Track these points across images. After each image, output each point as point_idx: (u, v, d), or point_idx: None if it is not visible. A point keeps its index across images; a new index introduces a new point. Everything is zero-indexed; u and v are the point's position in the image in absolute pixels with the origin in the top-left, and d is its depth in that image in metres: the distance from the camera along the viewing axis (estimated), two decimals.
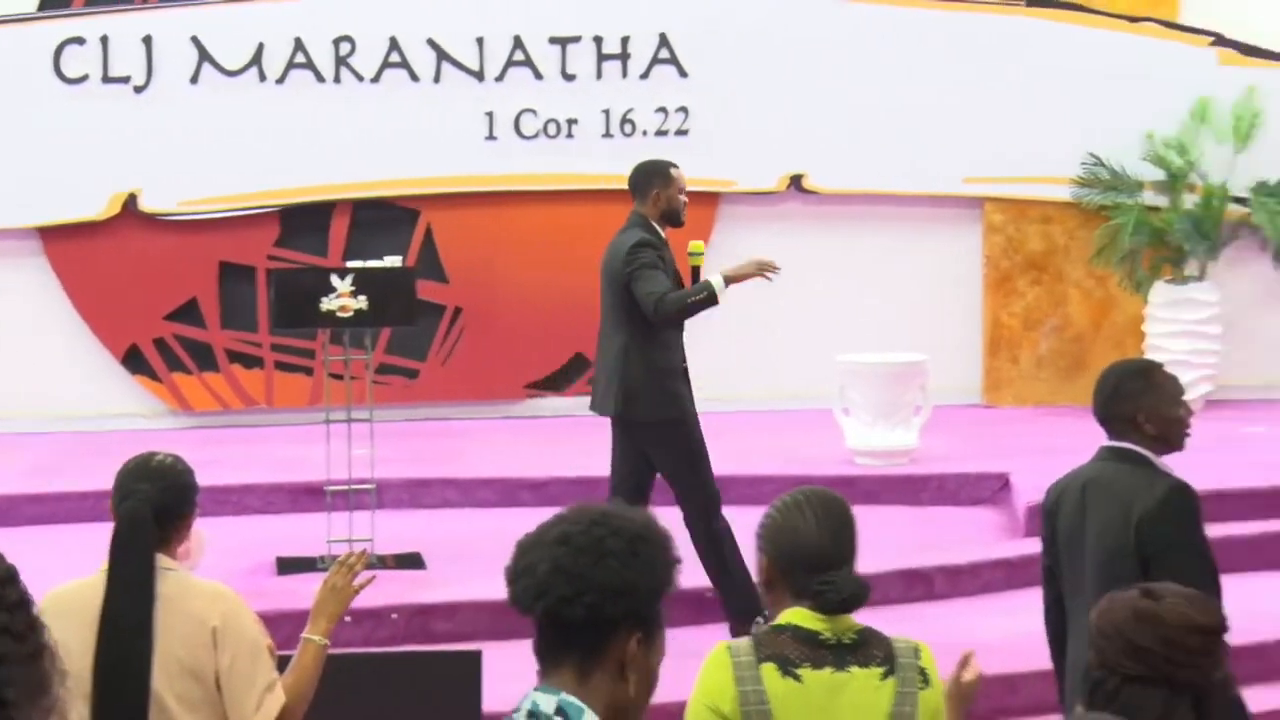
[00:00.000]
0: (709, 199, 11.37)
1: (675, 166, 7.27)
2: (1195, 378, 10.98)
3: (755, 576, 3.40)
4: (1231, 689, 2.53)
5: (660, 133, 11.23)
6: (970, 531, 8.41)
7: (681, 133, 11.22)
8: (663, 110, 11.22)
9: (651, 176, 7.16)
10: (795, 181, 11.29)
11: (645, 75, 11.23)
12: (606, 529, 2.47)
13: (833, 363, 9.55)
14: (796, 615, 3.29)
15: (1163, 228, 10.96)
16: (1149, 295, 11.08)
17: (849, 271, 11.39)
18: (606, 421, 10.90)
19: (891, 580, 7.47)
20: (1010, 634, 7.05)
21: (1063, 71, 11.19)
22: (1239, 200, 11.00)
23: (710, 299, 6.97)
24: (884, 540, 8.14)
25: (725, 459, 9.49)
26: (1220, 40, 11.22)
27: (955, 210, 11.43)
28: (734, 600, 6.92)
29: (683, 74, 11.22)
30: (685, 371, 7.15)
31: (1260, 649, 6.74)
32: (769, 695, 3.20)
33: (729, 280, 7.03)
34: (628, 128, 11.22)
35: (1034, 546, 7.92)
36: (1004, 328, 11.43)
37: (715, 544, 6.96)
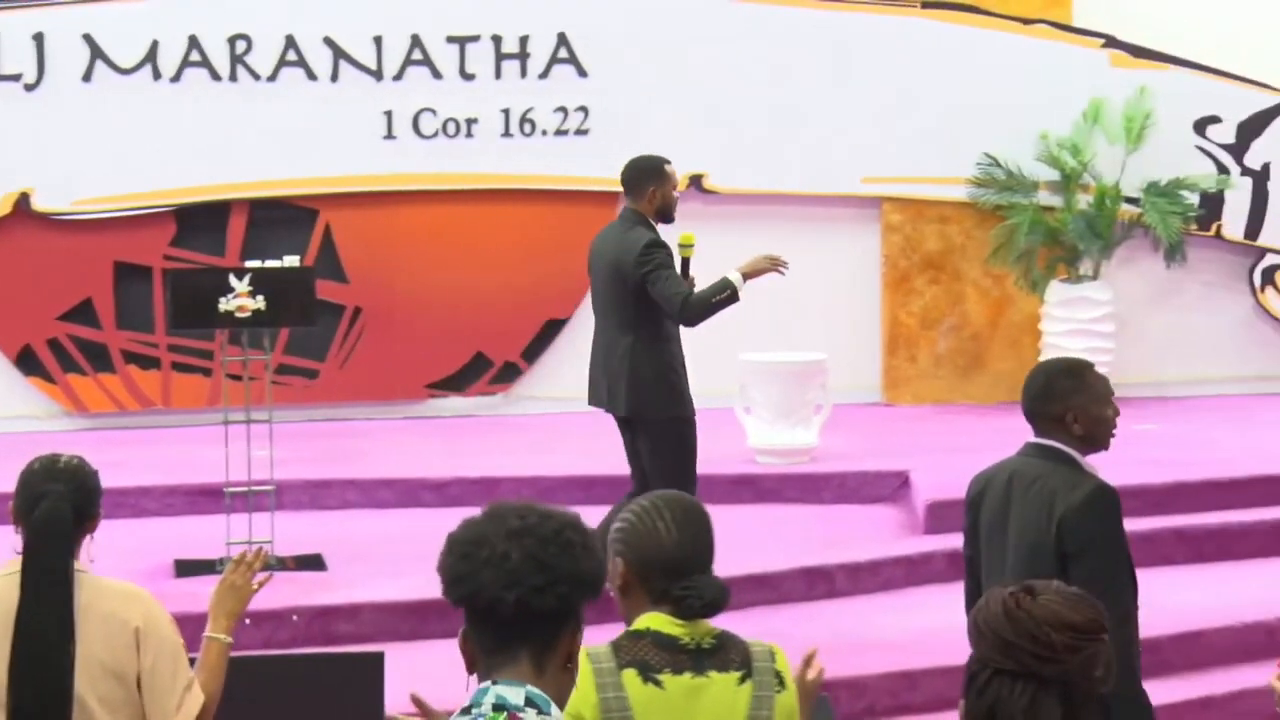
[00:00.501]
0: (609, 199, 11.37)
1: (669, 163, 7.37)
2: None
3: (611, 581, 3.35)
4: (1103, 687, 2.56)
5: (560, 132, 11.22)
6: (871, 529, 8.48)
7: (581, 132, 11.22)
8: (562, 110, 11.21)
9: (647, 174, 7.23)
10: (695, 182, 11.31)
11: (545, 75, 11.21)
12: (560, 522, 2.52)
13: (733, 362, 9.58)
14: (655, 620, 3.29)
15: (1057, 227, 11.09)
16: (1045, 294, 11.22)
17: None
18: (507, 421, 10.89)
19: (793, 578, 7.51)
20: (910, 630, 7.12)
21: (958, 72, 11.30)
22: (1131, 200, 11.15)
23: (733, 296, 7.07)
24: (785, 538, 8.20)
25: (625, 458, 9.52)
26: (1112, 42, 11.37)
27: (854, 210, 11.51)
28: None
29: (582, 74, 11.22)
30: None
31: (1155, 644, 6.84)
32: (631, 702, 3.20)
33: (745, 276, 7.13)
34: (527, 127, 11.20)
35: (933, 544, 8.02)
36: (902, 326, 11.53)
37: None
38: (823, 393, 9.40)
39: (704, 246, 11.40)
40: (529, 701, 2.46)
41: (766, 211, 11.46)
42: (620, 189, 11.06)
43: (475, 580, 2.50)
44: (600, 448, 9.92)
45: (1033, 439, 4.53)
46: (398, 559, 7.77)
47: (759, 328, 11.04)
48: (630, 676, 3.21)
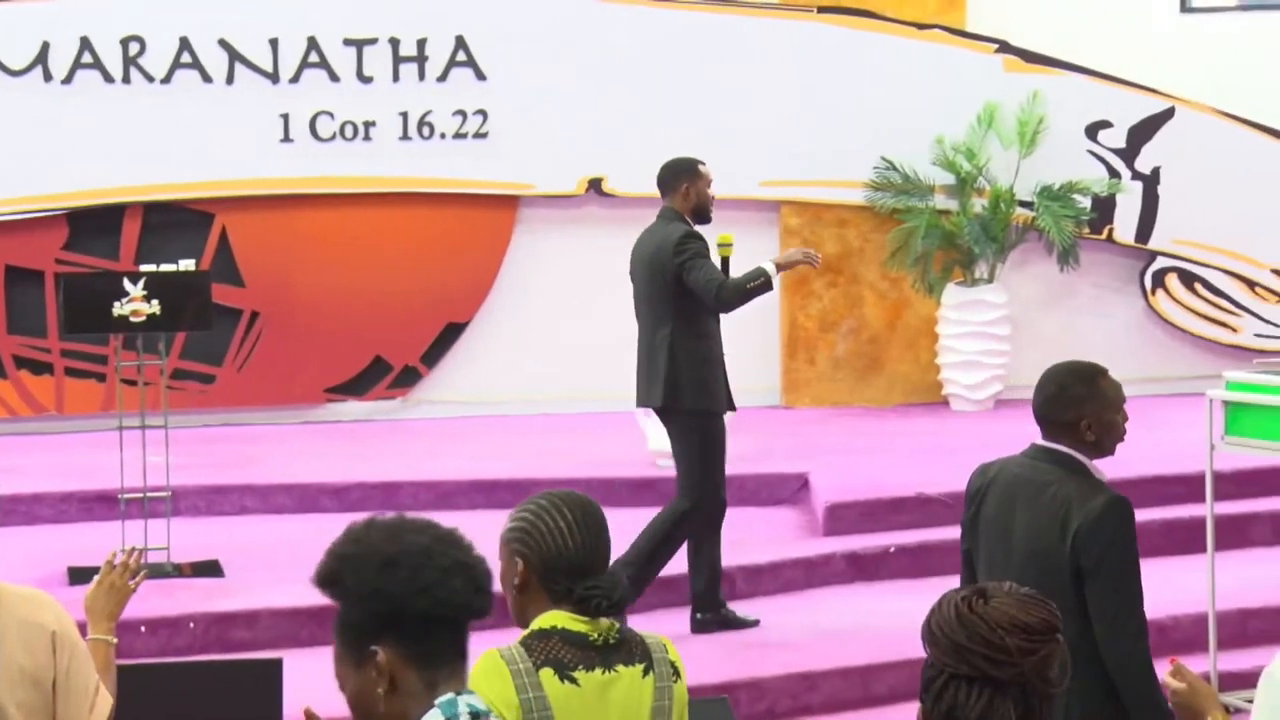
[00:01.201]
0: (508, 202, 11.36)
1: (703, 163, 7.52)
2: (986, 377, 11.26)
3: (504, 579, 3.35)
4: (1058, 688, 2.58)
5: (459, 135, 11.19)
6: (770, 531, 8.50)
7: (480, 136, 11.19)
8: (461, 113, 11.17)
9: (681, 173, 7.38)
10: (594, 185, 11.32)
11: (443, 78, 11.17)
12: (450, 529, 2.53)
13: (634, 365, 9.57)
14: (559, 618, 3.30)
15: (953, 231, 11.20)
16: (941, 297, 11.32)
17: None
18: (407, 425, 10.84)
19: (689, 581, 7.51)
20: (810, 632, 7.15)
21: (855, 76, 11.38)
22: (1025, 204, 11.28)
23: (767, 284, 7.20)
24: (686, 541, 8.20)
25: (526, 461, 9.52)
26: (1005, 47, 11.49)
27: (752, 213, 11.54)
28: (696, 584, 7.15)
29: (481, 77, 11.19)
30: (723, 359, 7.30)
31: None
32: (550, 701, 3.21)
33: (779, 267, 7.31)
34: (426, 130, 11.15)
35: (833, 545, 8.07)
36: (801, 329, 11.59)
37: (671, 527, 7.16)
38: None
39: (604, 251, 11.48)
40: (484, 712, 2.49)
41: None
42: (521, 193, 11.06)
43: (446, 587, 2.47)
44: (501, 452, 9.92)
45: (1040, 441, 4.49)
46: (296, 565, 7.65)
47: None
48: (548, 676, 3.23)
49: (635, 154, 11.30)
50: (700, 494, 7.13)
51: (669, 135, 11.28)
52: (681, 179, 7.35)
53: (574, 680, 3.23)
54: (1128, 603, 4.21)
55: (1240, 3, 11.94)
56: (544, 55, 11.22)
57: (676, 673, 3.37)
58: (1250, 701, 3.46)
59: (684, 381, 7.13)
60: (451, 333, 11.33)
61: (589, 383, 11.25)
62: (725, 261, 7.36)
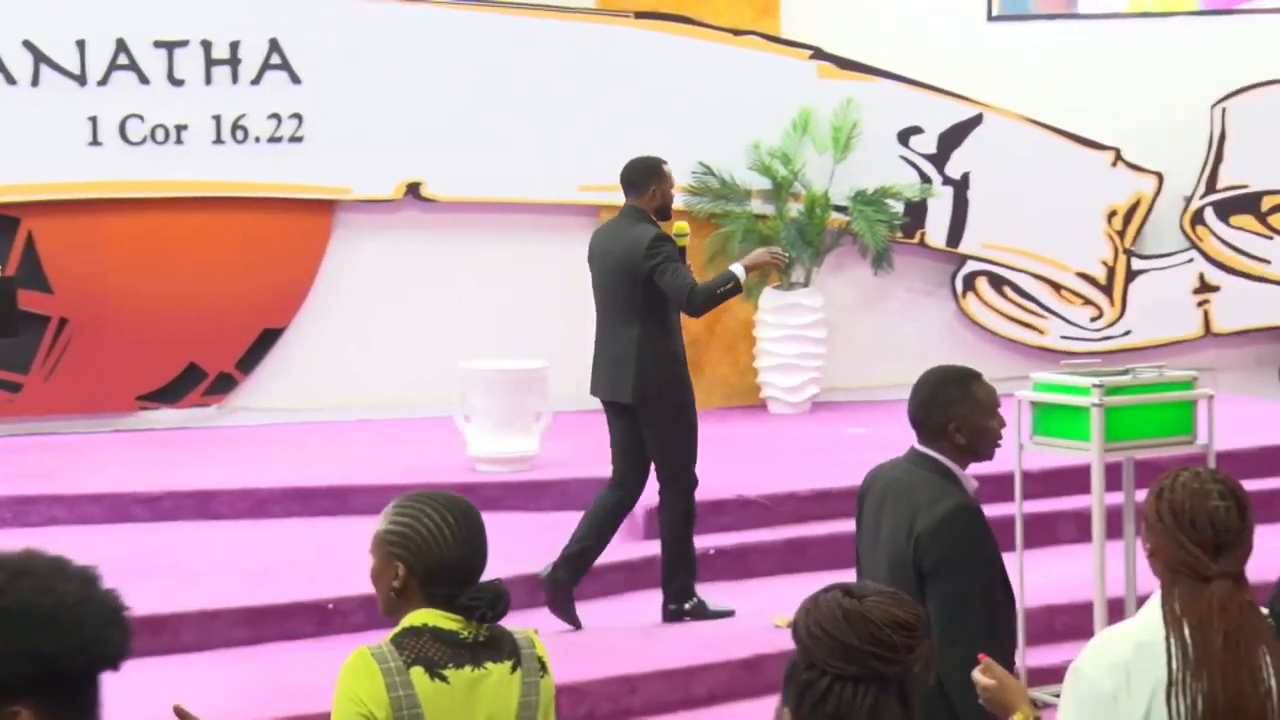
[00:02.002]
0: (325, 206, 11.25)
1: (666, 163, 7.68)
2: (803, 380, 11.39)
3: (379, 579, 3.34)
4: (929, 678, 2.62)
5: (274, 139, 11.05)
6: None
7: (296, 139, 11.07)
8: (276, 117, 11.04)
9: (649, 173, 7.50)
10: (413, 189, 11.26)
11: (257, 81, 11.03)
12: (91, 566, 2.25)
13: (453, 370, 9.55)
14: (430, 616, 3.30)
15: (770, 235, 11.31)
16: (758, 301, 11.43)
17: (468, 279, 11.42)
18: (222, 433, 10.65)
19: (515, 586, 7.40)
20: (631, 635, 7.18)
21: (672, 82, 11.44)
22: (840, 208, 11.43)
23: (736, 287, 7.33)
24: (506, 547, 8.17)
25: (345, 468, 9.42)
26: (819, 54, 11.64)
27: (572, 218, 11.56)
28: (678, 580, 7.33)
29: (295, 80, 11.06)
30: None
31: None
32: (420, 699, 3.22)
33: (747, 269, 7.40)
34: (240, 134, 11.00)
35: (653, 548, 8.09)
36: None
37: (685, 525, 7.33)
38: (543, 400, 9.42)
39: (422, 255, 11.42)
40: None
41: (485, 219, 11.46)
42: (338, 198, 10.98)
43: (107, 640, 2.17)
44: (318, 459, 9.81)
45: (916, 445, 4.53)
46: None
47: (478, 336, 11.04)
48: (418, 674, 3.22)
49: (454, 158, 11.28)
50: (687, 479, 7.34)
51: (488, 140, 11.27)
52: (650, 180, 7.47)
53: (444, 678, 3.24)
54: (962, 609, 4.24)
55: (1045, 12, 12.22)
56: (360, 58, 11.13)
57: (544, 668, 3.39)
58: (1058, 696, 3.54)
59: (656, 379, 7.27)
60: (268, 338, 11.19)
61: (408, 388, 11.18)
62: (681, 251, 7.46)
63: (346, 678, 3.24)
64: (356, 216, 11.31)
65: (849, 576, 6.94)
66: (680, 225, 7.58)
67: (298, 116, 11.06)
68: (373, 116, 11.13)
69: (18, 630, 2.11)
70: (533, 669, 3.35)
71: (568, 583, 7.27)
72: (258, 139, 11.03)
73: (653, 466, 7.40)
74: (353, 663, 3.25)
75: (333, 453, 10.02)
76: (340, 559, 7.50)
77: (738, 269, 7.36)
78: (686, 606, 7.33)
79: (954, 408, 4.42)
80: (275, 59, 11.04)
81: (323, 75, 11.09)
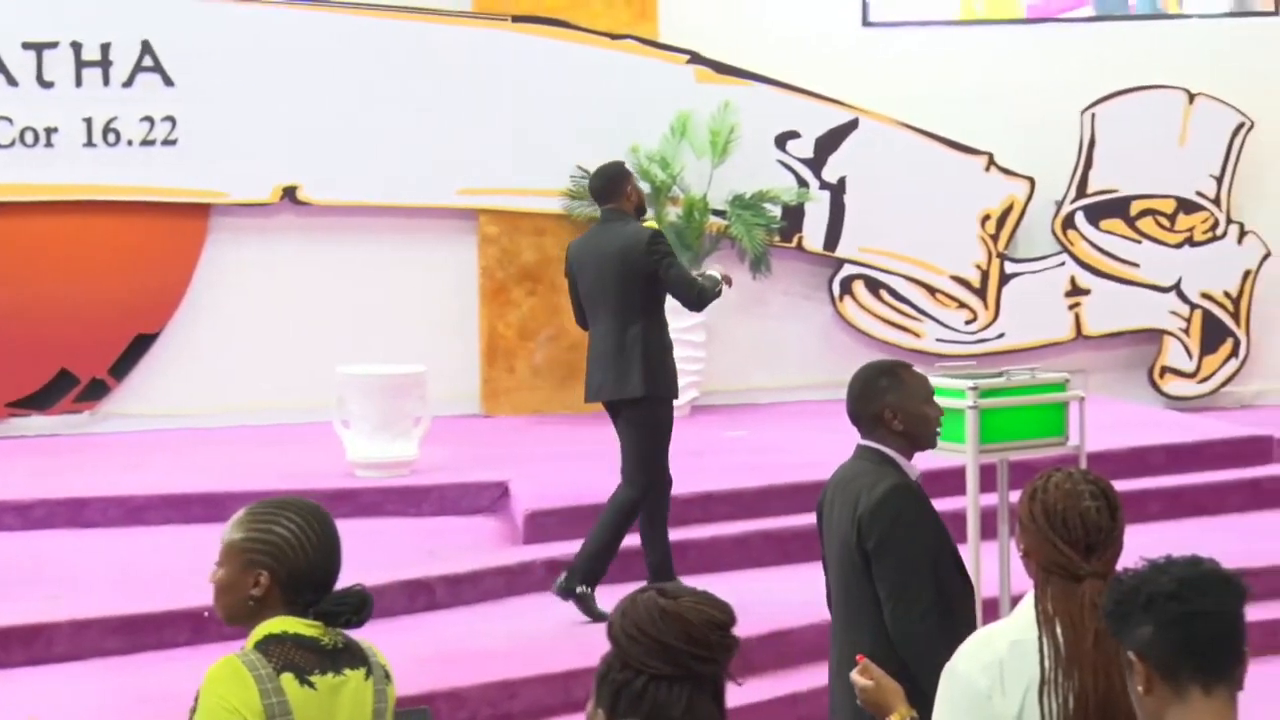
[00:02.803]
0: (199, 210, 11.12)
1: (624, 164, 8.04)
2: (683, 384, 11.39)
3: (233, 588, 3.30)
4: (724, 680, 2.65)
5: (147, 142, 10.91)
6: (471, 540, 8.49)
7: (169, 143, 10.94)
8: (148, 119, 10.91)
9: (620, 176, 7.67)
10: (289, 193, 11.16)
11: (129, 83, 10.89)
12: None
13: (331, 375, 9.48)
14: (289, 623, 3.28)
15: None
16: None
17: (346, 283, 11.34)
18: (95, 440, 10.48)
19: (394, 591, 7.46)
20: (511, 640, 7.16)
21: (550, 86, 11.44)
22: (718, 212, 11.48)
23: (720, 293, 7.63)
24: (385, 551, 8.14)
25: (220, 475, 9.32)
26: (696, 58, 11.69)
27: (450, 222, 11.53)
28: (591, 563, 7.36)
29: (169, 83, 10.93)
30: None
31: (745, 645, 7.05)
32: (291, 705, 3.22)
33: (722, 276, 7.67)
34: (111, 137, 10.85)
35: (533, 553, 8.09)
36: (501, 338, 11.60)
37: (627, 516, 7.40)
38: (422, 405, 9.38)
39: (299, 260, 11.32)
40: None
41: (362, 223, 11.39)
42: (213, 201, 10.90)
43: None
44: (193, 465, 9.70)
45: (860, 441, 4.58)
46: None
47: (356, 340, 10.97)
48: (288, 680, 3.22)
49: (331, 162, 11.20)
50: (649, 477, 7.40)
51: (365, 143, 11.21)
52: (622, 182, 7.62)
53: (311, 684, 3.24)
54: (910, 582, 4.29)
55: (918, 19, 12.36)
56: (235, 61, 11.02)
57: (388, 676, 3.42)
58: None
59: (659, 372, 7.43)
60: (141, 344, 11.05)
61: (284, 393, 11.09)
62: None
63: (216, 685, 3.20)
64: (232, 220, 11.19)
65: (730, 579, 7.00)
66: (650, 222, 7.80)
67: (171, 119, 10.93)
68: (248, 119, 11.02)
69: None
70: (380, 676, 3.38)
71: (580, 595, 7.34)
72: (130, 142, 10.89)
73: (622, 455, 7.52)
74: (221, 670, 3.22)
75: (208, 459, 9.91)
76: None
77: (716, 273, 7.64)
78: (578, 590, 7.35)
79: (886, 395, 4.49)
80: (147, 61, 10.90)
81: (196, 78, 10.96)
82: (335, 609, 3.30)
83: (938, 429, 4.59)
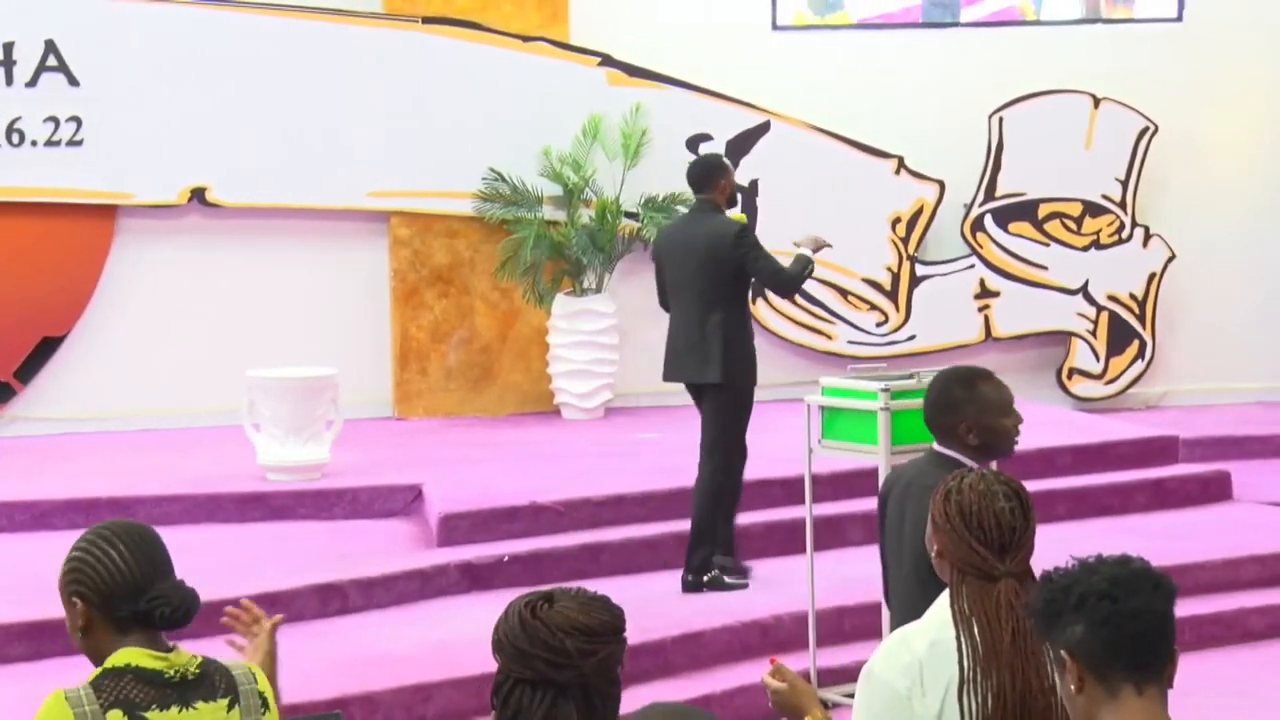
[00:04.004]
0: (106, 212, 11.00)
1: (724, 157, 8.51)
2: (596, 386, 11.43)
3: (70, 628, 3.23)
4: (620, 687, 2.65)
5: (51, 143, 10.78)
6: (384, 543, 8.45)
7: (75, 143, 10.81)
8: (53, 120, 10.77)
9: (717, 169, 7.97)
10: (198, 195, 11.06)
11: (32, 83, 10.75)
12: None
13: (242, 378, 9.40)
14: (133, 655, 3.17)
15: (562, 241, 11.34)
16: (551, 307, 11.44)
17: (256, 286, 11.26)
18: (6, 444, 10.37)
19: (306, 595, 7.42)
20: (424, 644, 7.13)
21: (462, 88, 11.41)
22: (630, 214, 11.50)
23: (811, 272, 7.89)
24: (297, 555, 8.09)
25: (129, 479, 9.22)
26: (608, 60, 11.70)
27: (361, 224, 11.48)
28: (698, 553, 7.69)
29: (74, 82, 10.81)
30: None
31: (658, 646, 7.07)
32: None
33: (812, 250, 7.83)
34: (15, 137, 10.71)
35: (446, 556, 8.06)
36: (413, 340, 11.56)
37: (715, 501, 7.69)
38: (333, 408, 9.33)
39: (208, 262, 11.22)
40: None
41: (272, 225, 11.31)
42: (120, 203, 10.81)
43: None
44: (101, 469, 9.58)
45: (934, 445, 4.54)
46: None
47: (267, 343, 10.89)
48: (115, 717, 3.08)
49: (240, 164, 11.12)
50: (728, 450, 7.72)
51: (275, 145, 11.14)
52: (718, 175, 7.90)
53: None
54: None
55: (826, 23, 12.43)
56: (142, 61, 10.91)
57: (265, 704, 3.27)
58: (848, 696, 3.60)
59: (738, 360, 7.70)
60: (47, 347, 10.91)
61: (194, 397, 11.00)
62: None
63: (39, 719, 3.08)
64: (139, 222, 11.08)
65: (642, 581, 6.99)
66: (739, 215, 8.15)
67: (76, 120, 10.80)
68: (155, 120, 10.92)
69: None
70: (253, 706, 3.24)
71: (710, 581, 7.68)
72: (34, 143, 10.75)
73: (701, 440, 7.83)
74: (47, 707, 3.09)
75: (116, 463, 9.81)
76: None
77: (806, 252, 7.79)
78: (705, 579, 7.68)
79: (963, 409, 4.44)
80: (52, 61, 10.77)
81: (102, 78, 10.84)
82: (149, 608, 3.17)
83: (1015, 438, 4.52)
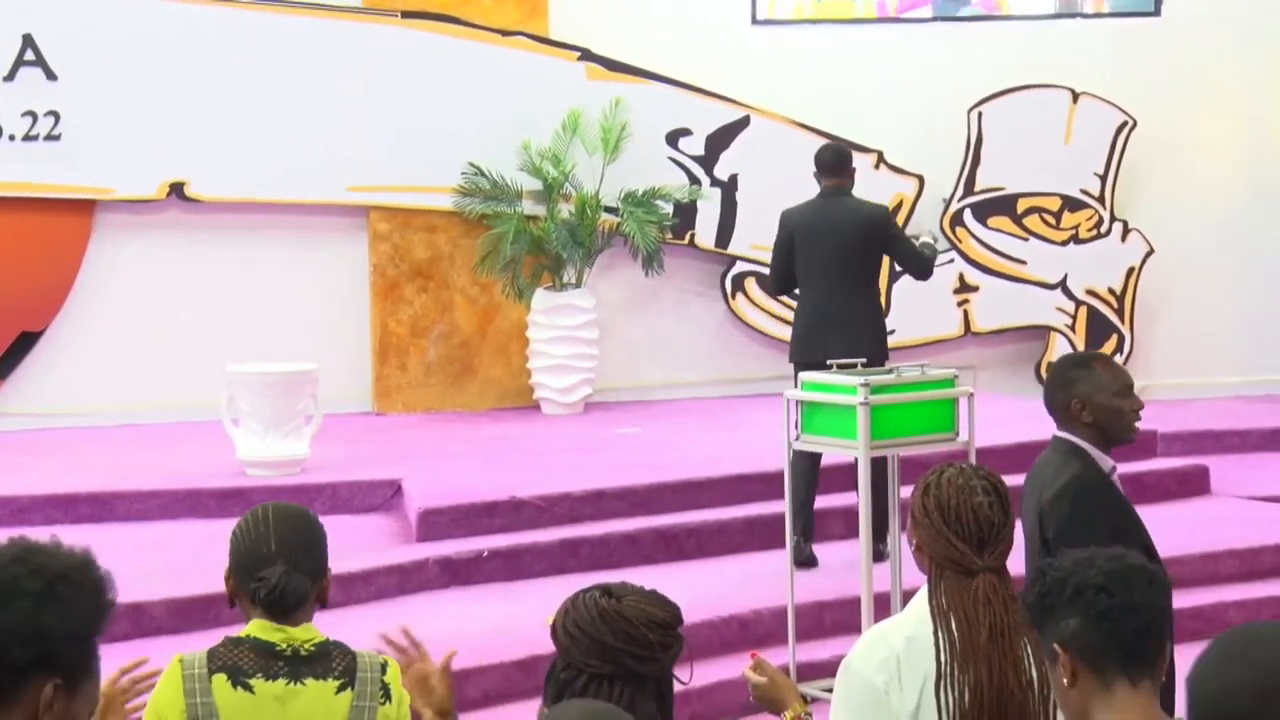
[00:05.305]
0: (85, 207, 10.97)
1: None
2: (576, 380, 11.43)
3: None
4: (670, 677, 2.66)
5: (30, 138, 10.74)
6: (363, 539, 8.42)
7: (53, 138, 10.77)
8: (31, 114, 10.74)
9: (847, 157, 8.39)
10: (176, 189, 11.03)
11: (10, 77, 10.71)
12: (24, 568, 2.32)
13: (221, 373, 9.38)
14: (255, 627, 3.30)
15: (541, 236, 11.33)
16: (531, 302, 11.44)
17: (235, 281, 11.23)
18: None
19: None
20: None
21: (441, 82, 11.40)
22: (610, 209, 11.49)
23: (936, 256, 8.52)
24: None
25: (108, 474, 9.19)
26: (588, 55, 11.69)
27: (340, 219, 11.46)
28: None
29: (51, 77, 10.77)
30: None
31: None
32: (218, 707, 3.20)
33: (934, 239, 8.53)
34: None
35: (426, 551, 8.05)
36: (392, 335, 11.54)
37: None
38: (313, 403, 9.31)
39: (187, 257, 11.19)
40: None
41: (252, 220, 11.29)
42: (98, 198, 10.74)
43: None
44: (80, 465, 9.55)
45: (1055, 432, 4.56)
46: None
47: (246, 338, 10.87)
48: (220, 682, 3.20)
49: (219, 158, 11.09)
50: None
51: (254, 139, 11.11)
52: (849, 162, 8.34)
53: (248, 688, 3.21)
54: None
55: (806, 17, 12.43)
56: (120, 56, 10.88)
57: (387, 695, 3.33)
58: (827, 690, 3.60)
59: (880, 336, 8.14)
60: (26, 342, 10.88)
61: (173, 392, 10.97)
62: None
63: (158, 684, 3.26)
64: (117, 217, 11.05)
65: (621, 576, 6.92)
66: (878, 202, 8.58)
67: (54, 114, 10.76)
68: (134, 114, 10.89)
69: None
70: (370, 693, 3.30)
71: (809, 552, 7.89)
72: (12, 137, 10.72)
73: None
74: (168, 668, 3.27)
75: (95, 459, 9.78)
76: (103, 567, 7.30)
77: (929, 240, 8.44)
78: (884, 551, 7.52)
79: (1076, 387, 4.47)
80: (29, 55, 10.73)
81: (81, 72, 10.81)
82: (255, 587, 3.29)
83: (1134, 422, 4.52)
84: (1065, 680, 2.60)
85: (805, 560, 7.77)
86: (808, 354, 7.90)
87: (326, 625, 7.70)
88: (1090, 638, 2.57)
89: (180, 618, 7.04)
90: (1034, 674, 3.23)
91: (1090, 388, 4.45)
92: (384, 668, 3.37)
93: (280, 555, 3.32)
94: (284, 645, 3.27)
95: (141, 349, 11.04)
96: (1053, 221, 12.35)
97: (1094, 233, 12.36)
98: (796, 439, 6.75)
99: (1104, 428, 4.46)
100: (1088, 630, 2.57)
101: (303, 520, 3.40)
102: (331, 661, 3.31)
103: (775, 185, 11.94)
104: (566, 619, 2.67)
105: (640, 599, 2.67)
